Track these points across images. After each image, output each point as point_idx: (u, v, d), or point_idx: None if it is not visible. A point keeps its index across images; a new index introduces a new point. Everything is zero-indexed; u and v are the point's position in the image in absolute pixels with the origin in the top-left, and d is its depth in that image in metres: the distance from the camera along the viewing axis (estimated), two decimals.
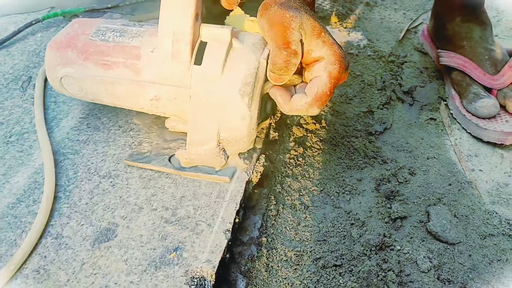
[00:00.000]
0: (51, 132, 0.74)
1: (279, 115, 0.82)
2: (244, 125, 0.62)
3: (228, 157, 0.66)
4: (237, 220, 0.62)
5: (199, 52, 0.62)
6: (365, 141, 0.84)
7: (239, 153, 0.68)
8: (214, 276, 0.55)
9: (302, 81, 0.62)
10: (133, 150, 0.70)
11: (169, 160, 0.68)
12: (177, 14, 0.60)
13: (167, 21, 0.60)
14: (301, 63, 0.60)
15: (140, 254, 0.58)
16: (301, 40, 0.57)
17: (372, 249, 0.66)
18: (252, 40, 0.63)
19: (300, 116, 0.86)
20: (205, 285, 0.54)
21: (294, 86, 0.63)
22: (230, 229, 0.60)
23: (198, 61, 0.61)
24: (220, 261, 0.57)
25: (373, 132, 0.86)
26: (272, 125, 0.79)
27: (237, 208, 0.62)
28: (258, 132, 0.72)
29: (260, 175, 0.69)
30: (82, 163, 0.69)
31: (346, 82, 0.98)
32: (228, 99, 0.61)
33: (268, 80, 0.62)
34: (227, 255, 0.59)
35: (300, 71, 0.62)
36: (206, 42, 0.62)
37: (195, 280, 0.54)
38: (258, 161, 0.70)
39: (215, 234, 0.59)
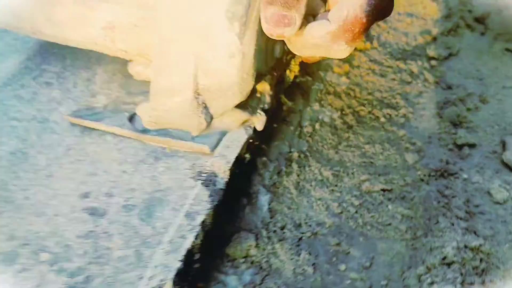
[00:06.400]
0: None
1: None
2: (233, 66, 0.41)
3: (211, 118, 0.46)
4: None
5: None
6: (426, 65, 0.70)
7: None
8: (228, 173, 0.42)
9: (326, 10, 0.37)
10: (83, 104, 0.52)
11: (130, 120, 0.49)
12: None
13: None
14: None
15: (138, 143, 0.46)
16: None
17: (432, 174, 0.53)
18: None
19: None
20: (215, 181, 0.42)
21: (314, 17, 0.38)
22: (253, 126, 0.47)
23: None
24: (238, 165, 0.44)
25: (436, 57, 0.71)
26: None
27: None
28: None
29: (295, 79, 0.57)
30: (85, 51, 0.59)
31: None
32: (210, 25, 0.41)
33: None
34: (247, 155, 0.47)
35: None
36: None
37: (204, 175, 0.42)
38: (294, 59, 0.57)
39: None
